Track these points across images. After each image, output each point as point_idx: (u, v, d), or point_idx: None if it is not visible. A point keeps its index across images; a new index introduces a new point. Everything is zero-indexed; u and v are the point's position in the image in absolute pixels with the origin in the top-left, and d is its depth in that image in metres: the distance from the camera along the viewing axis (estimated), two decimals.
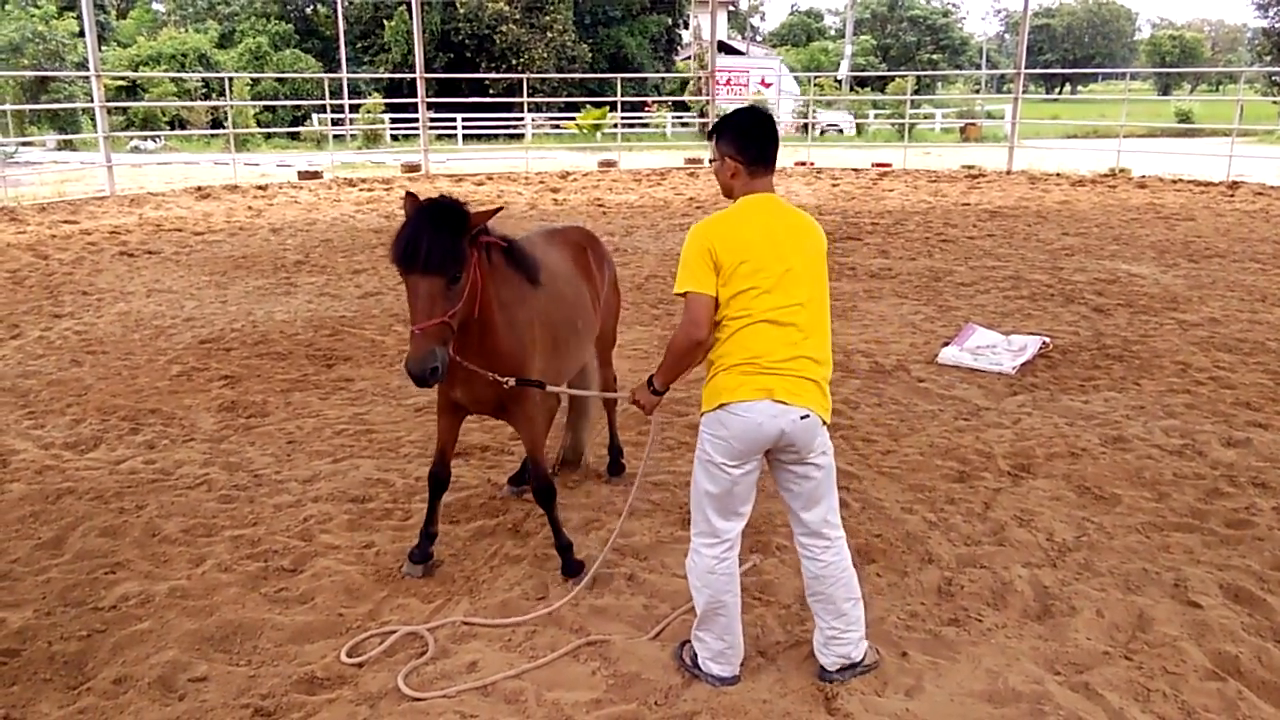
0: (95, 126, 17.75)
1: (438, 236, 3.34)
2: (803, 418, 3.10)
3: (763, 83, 35.83)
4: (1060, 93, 74.75)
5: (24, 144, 27.35)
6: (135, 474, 5.16)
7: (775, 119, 3.28)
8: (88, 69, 17.65)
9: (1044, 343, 7.32)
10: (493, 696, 3.28)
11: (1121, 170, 19.61)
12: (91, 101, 17.72)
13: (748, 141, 3.19)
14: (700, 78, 31.96)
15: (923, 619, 3.75)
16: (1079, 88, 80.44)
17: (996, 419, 5.97)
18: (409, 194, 3.55)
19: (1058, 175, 19.47)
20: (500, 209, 3.77)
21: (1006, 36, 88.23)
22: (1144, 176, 18.97)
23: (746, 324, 3.09)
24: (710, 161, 3.37)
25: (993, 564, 4.16)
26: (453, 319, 3.41)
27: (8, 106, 28.52)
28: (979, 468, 5.22)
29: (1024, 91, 21.87)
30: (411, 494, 4.89)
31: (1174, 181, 18.28)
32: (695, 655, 3.38)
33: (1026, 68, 21.53)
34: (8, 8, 36.32)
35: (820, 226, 3.36)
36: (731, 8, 64.48)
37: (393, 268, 3.47)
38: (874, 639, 3.60)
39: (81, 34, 26.60)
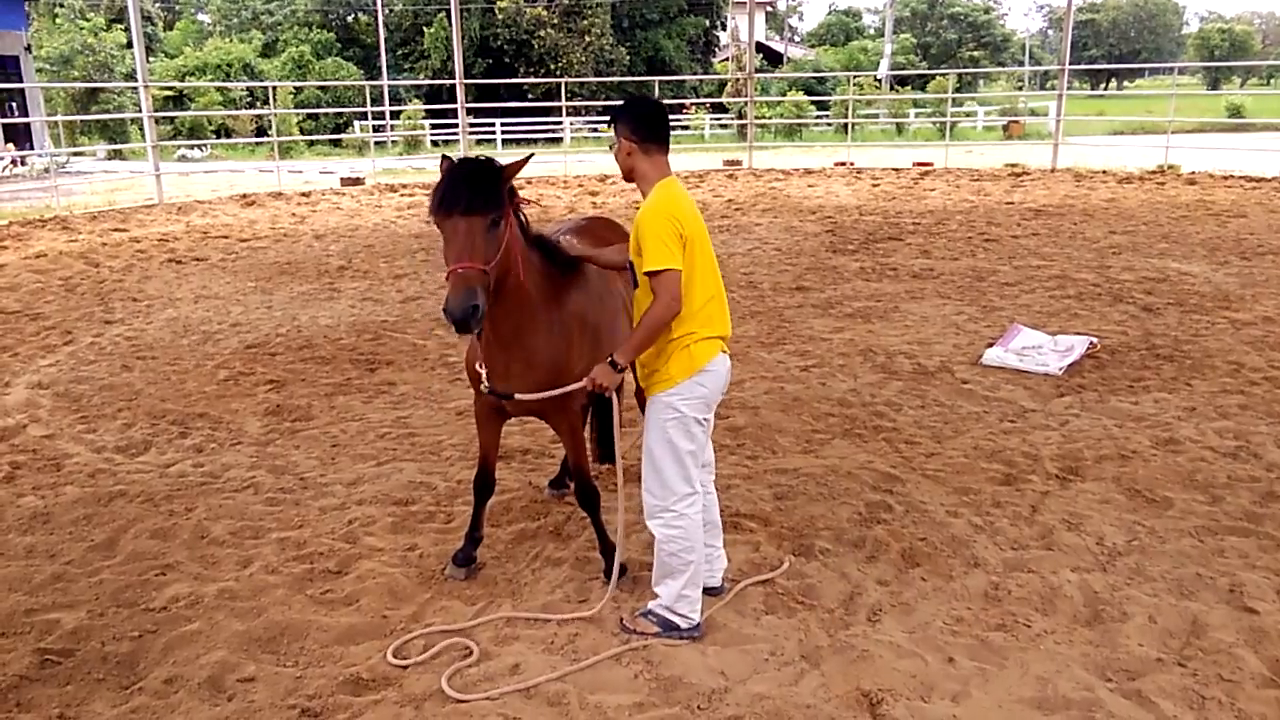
0: (144, 136, 18.11)
1: (476, 181, 3.38)
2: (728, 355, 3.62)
3: None
4: (1106, 88, 73.55)
5: (75, 154, 28.03)
6: (184, 477, 5.25)
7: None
8: (136, 80, 18.00)
9: (1091, 343, 7.20)
10: (536, 699, 3.29)
11: (1170, 166, 19.22)
12: (140, 112, 18.08)
13: (639, 123, 3.51)
14: (738, 79, 31.87)
15: (969, 624, 3.70)
16: (1125, 83, 79.08)
17: (1043, 421, 5.87)
18: (445, 156, 3.58)
19: (1104, 172, 19.14)
20: (531, 155, 3.82)
21: (1050, 32, 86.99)
22: (1193, 172, 18.58)
23: (705, 300, 3.48)
24: (611, 147, 3.66)
25: (1041, 568, 4.09)
26: (491, 270, 3.38)
27: (59, 117, 29.26)
28: (1026, 470, 5.14)
29: (1068, 88, 21.54)
30: (454, 497, 4.92)
31: (1224, 177, 17.88)
32: (663, 618, 3.59)
33: (1071, 63, 21.19)
34: (58, 21, 37.22)
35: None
36: (769, 8, 64.25)
37: (433, 254, 3.48)
38: (919, 644, 3.56)
39: (130, 46, 27.22)
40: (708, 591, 3.76)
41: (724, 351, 3.57)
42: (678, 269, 3.36)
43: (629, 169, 3.57)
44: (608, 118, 3.69)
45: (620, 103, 3.64)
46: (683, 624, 3.59)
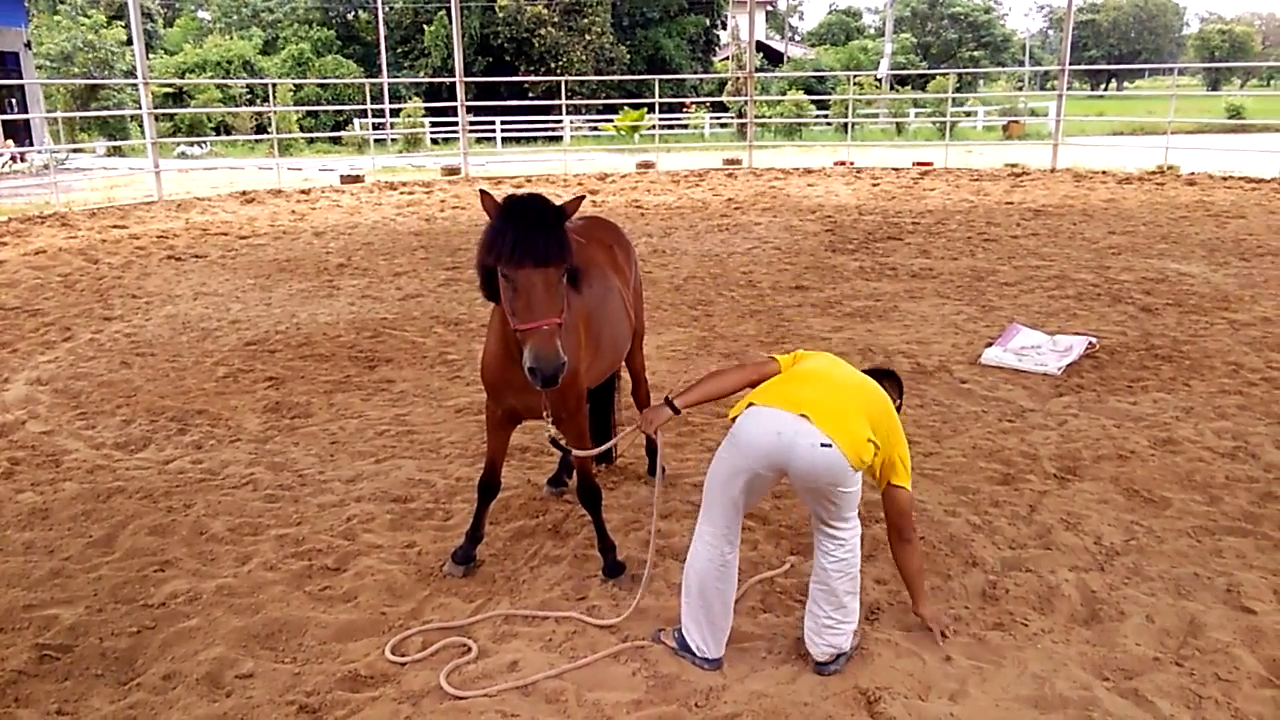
0: (143, 133, 18.10)
1: (549, 227, 3.24)
2: (824, 445, 3.11)
3: None
4: (1106, 89, 73.58)
5: (75, 150, 28.01)
6: (183, 474, 5.25)
7: None
8: (136, 77, 17.99)
9: (1090, 343, 7.20)
10: (533, 696, 3.29)
11: (1169, 167, 19.23)
12: (140, 108, 18.08)
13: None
14: (739, 78, 31.86)
15: (967, 623, 3.71)
16: (1125, 84, 79.11)
17: (1042, 421, 5.88)
18: (484, 192, 3.45)
19: (1104, 173, 19.15)
20: (584, 196, 3.67)
21: (1050, 33, 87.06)
22: (1193, 173, 18.59)
23: (791, 373, 3.40)
24: None
25: (1039, 568, 4.10)
26: (565, 320, 3.29)
27: (59, 114, 29.24)
28: (1024, 470, 5.15)
29: (1068, 88, 21.54)
30: (452, 494, 4.93)
31: (1224, 178, 17.89)
32: (681, 637, 3.46)
33: (1071, 64, 21.19)
34: (58, 17, 37.19)
35: (887, 397, 3.49)
36: (770, 8, 64.24)
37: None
38: (917, 642, 3.57)
39: (130, 42, 27.19)
40: (817, 668, 3.40)
41: (799, 414, 3.15)
42: (773, 359, 3.51)
43: None
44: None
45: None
46: (695, 653, 3.43)
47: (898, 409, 3.58)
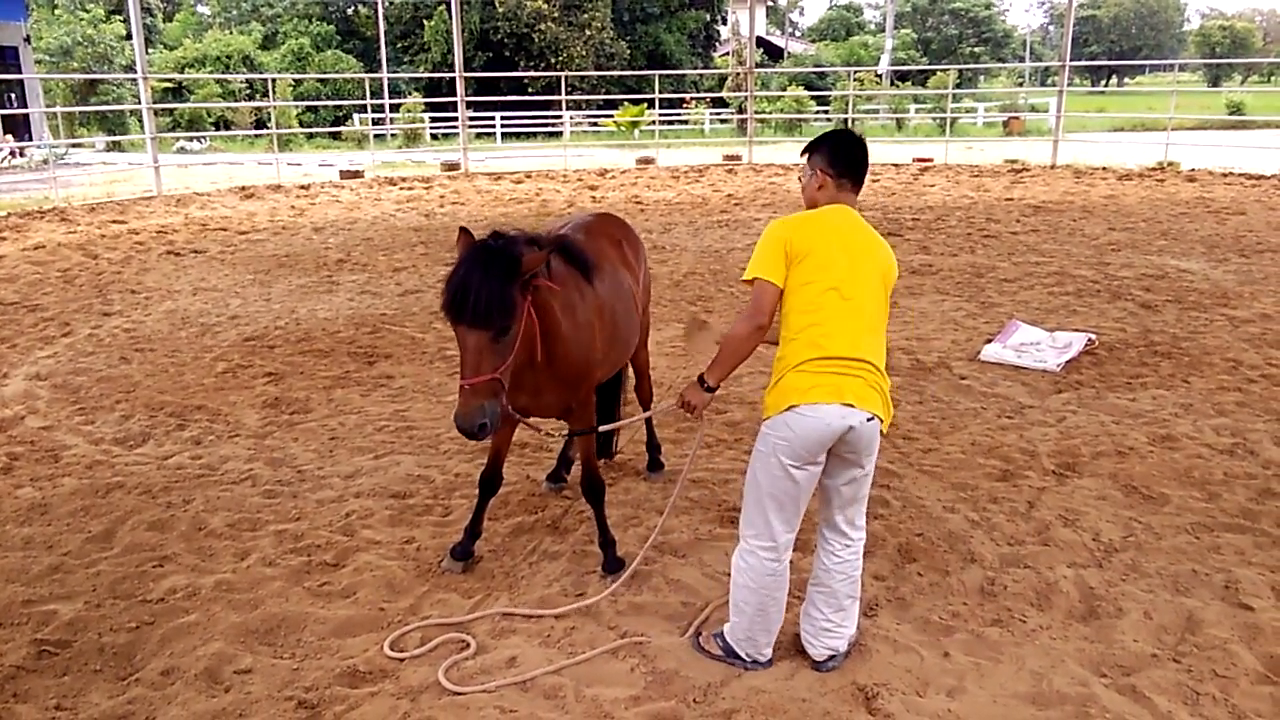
0: (143, 128, 18.09)
1: (486, 284, 3.19)
2: (869, 420, 3.15)
3: None
4: (1106, 85, 73.46)
5: (74, 145, 27.97)
6: (182, 469, 5.25)
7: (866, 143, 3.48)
8: (135, 71, 17.98)
9: (1089, 339, 7.20)
10: (532, 692, 3.30)
11: (1170, 164, 19.20)
12: (139, 103, 18.07)
13: (838, 156, 3.38)
14: (739, 74, 31.81)
15: (965, 619, 3.71)
16: (1126, 80, 79.01)
17: (1041, 417, 5.88)
18: (463, 230, 3.41)
19: (1104, 169, 19.13)
20: (550, 253, 3.60)
21: (1051, 28, 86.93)
22: (1193, 170, 18.57)
23: (813, 321, 3.14)
24: (799, 178, 3.51)
25: (1037, 564, 4.10)
26: (504, 374, 3.29)
27: (58, 108, 29.22)
28: (1023, 466, 5.15)
29: (1069, 84, 21.52)
30: (451, 490, 4.93)
31: (1224, 175, 17.88)
32: (727, 644, 3.41)
33: (1071, 60, 21.17)
34: (57, 12, 37.17)
35: (892, 251, 3.37)
36: (770, 3, 64.11)
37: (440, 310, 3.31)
38: (915, 638, 3.57)
39: (129, 37, 27.16)
40: (814, 666, 3.42)
41: (842, 403, 3.09)
42: (769, 281, 3.18)
43: (814, 202, 3.41)
44: (804, 151, 3.54)
45: (819, 136, 3.49)
46: (745, 659, 3.40)
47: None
